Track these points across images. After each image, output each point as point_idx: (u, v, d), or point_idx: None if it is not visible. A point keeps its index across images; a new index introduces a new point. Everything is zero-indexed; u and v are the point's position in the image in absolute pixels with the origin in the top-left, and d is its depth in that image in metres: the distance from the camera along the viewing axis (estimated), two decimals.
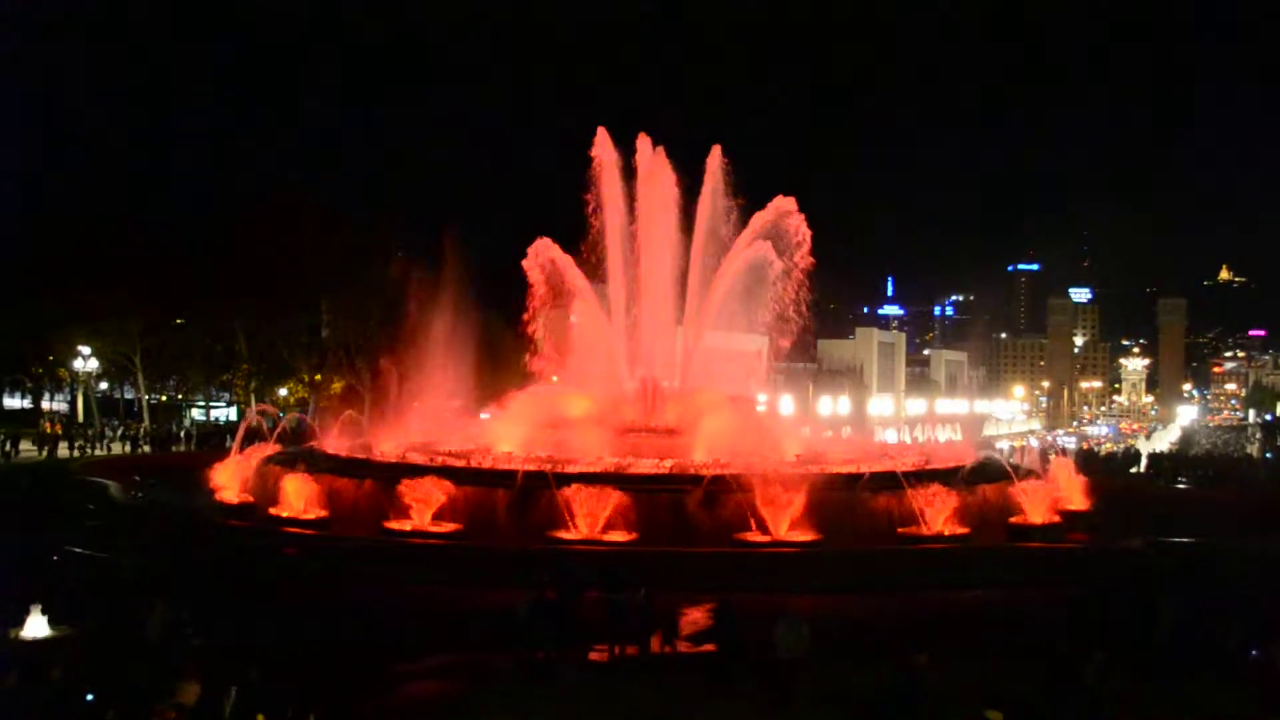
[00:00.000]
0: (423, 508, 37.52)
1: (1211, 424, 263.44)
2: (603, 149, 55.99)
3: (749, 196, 55.02)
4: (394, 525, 37.49)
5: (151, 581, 30.36)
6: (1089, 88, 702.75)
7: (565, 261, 52.95)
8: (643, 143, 55.71)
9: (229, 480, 43.71)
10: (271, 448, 47.59)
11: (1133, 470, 73.62)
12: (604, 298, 54.83)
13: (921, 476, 40.38)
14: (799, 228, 52.49)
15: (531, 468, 40.05)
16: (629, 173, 55.47)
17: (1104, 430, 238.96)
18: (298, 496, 40.04)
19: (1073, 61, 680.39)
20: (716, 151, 55.36)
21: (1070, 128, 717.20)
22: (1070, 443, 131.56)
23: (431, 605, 30.65)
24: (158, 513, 43.83)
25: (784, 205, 53.13)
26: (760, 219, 53.25)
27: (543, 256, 52.75)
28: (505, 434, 47.77)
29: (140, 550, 35.30)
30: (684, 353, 54.50)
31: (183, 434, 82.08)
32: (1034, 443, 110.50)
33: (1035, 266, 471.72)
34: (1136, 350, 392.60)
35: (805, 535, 36.63)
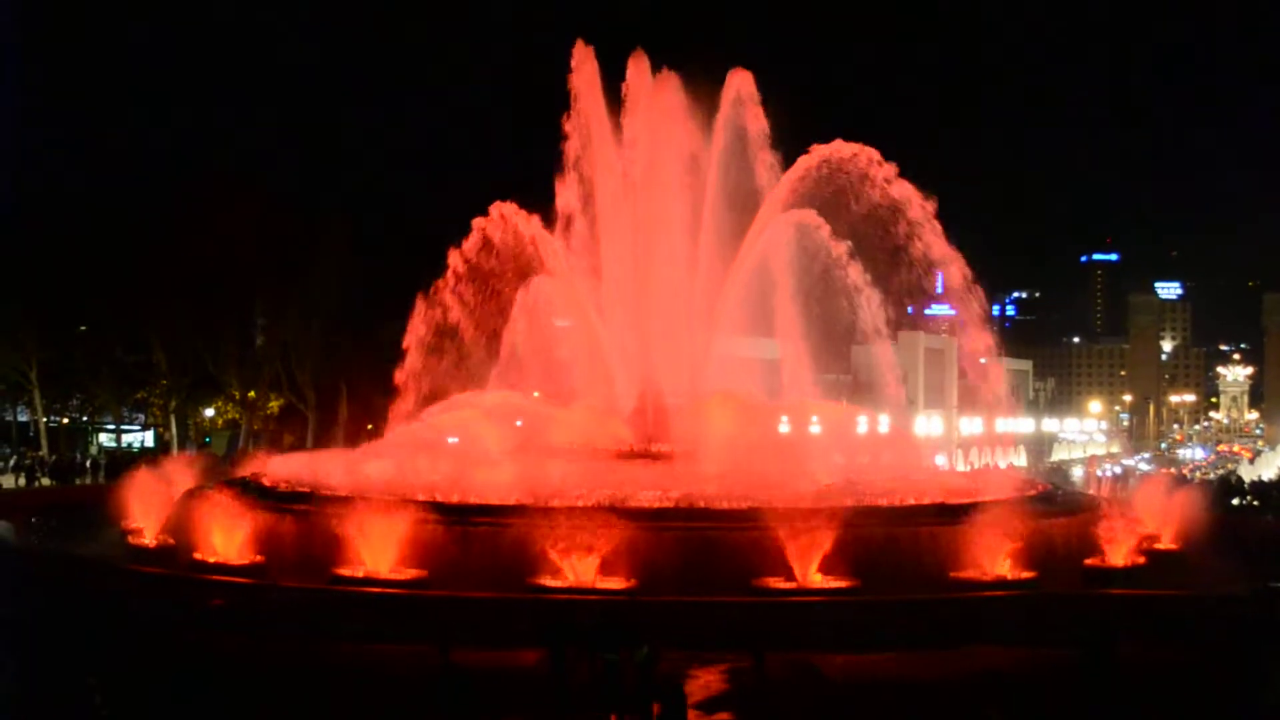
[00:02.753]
0: (378, 550, 37.50)
1: None
2: (583, 73, 52.30)
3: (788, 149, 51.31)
4: (345, 571, 37.47)
5: (49, 642, 30.43)
6: (1172, 43, 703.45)
7: (538, 234, 50.96)
8: (637, 65, 52.08)
9: (145, 519, 43.69)
10: (196, 478, 47.61)
11: (1234, 501, 73.54)
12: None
13: (978, 509, 40.31)
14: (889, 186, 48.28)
15: (510, 502, 40.02)
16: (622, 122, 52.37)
17: (1199, 453, 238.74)
18: (227, 538, 40.00)
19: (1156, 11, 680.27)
20: (738, 78, 51.57)
21: (1156, 88, 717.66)
22: (1149, 469, 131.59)
23: (389, 666, 30.65)
24: (56, 559, 43.83)
25: (840, 150, 49.31)
26: (808, 164, 49.29)
27: (500, 228, 50.54)
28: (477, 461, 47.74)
29: (35, 604, 35.30)
30: (694, 358, 53.48)
31: (88, 463, 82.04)
32: (1110, 469, 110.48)
33: (1114, 257, 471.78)
34: (1237, 357, 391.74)
35: (838, 581, 36.60)
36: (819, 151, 50.20)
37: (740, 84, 52.55)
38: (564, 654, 27.46)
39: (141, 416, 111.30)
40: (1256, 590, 36.57)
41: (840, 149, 49.78)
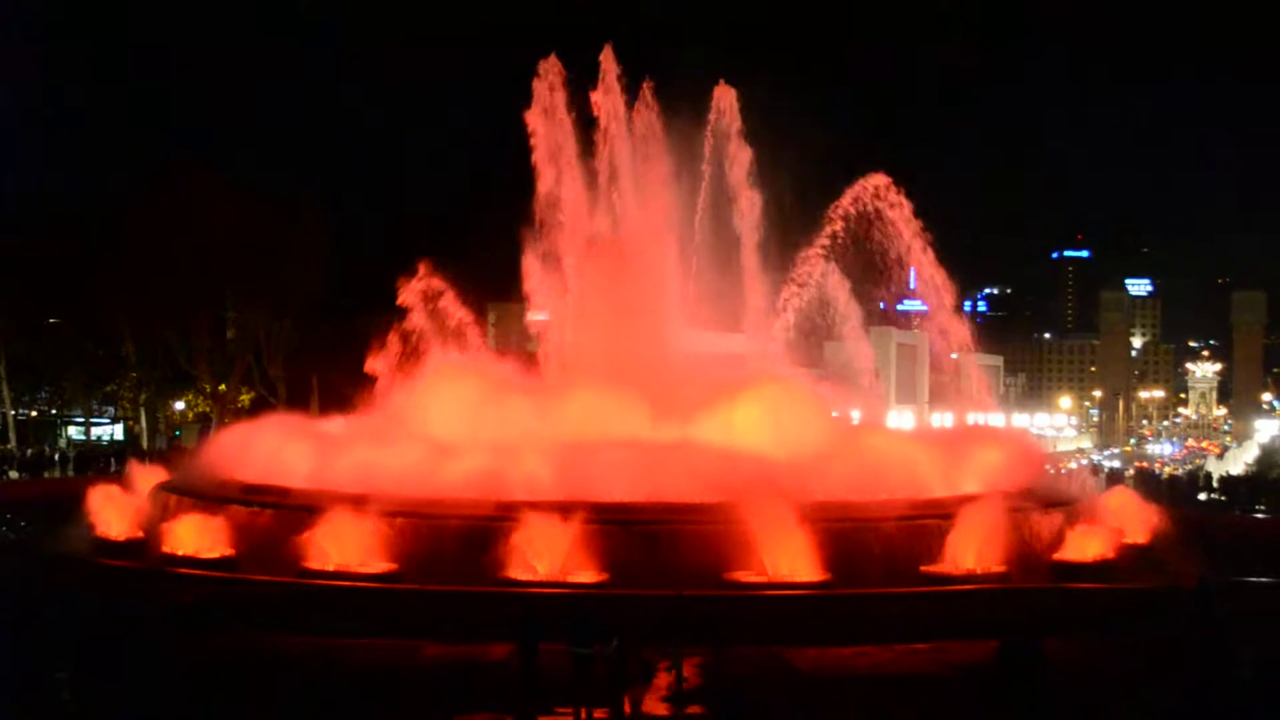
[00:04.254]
0: (349, 545, 37.41)
1: None
2: (546, 92, 52.40)
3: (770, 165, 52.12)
4: (315, 565, 37.37)
5: (17, 638, 30.29)
6: (1145, 38, 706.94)
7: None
8: (607, 63, 52.17)
9: (114, 513, 43.44)
10: (165, 472, 47.41)
11: (1201, 496, 74.08)
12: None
13: (949, 504, 40.48)
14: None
15: (480, 495, 39.94)
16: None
17: (1167, 449, 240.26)
18: (197, 532, 39.83)
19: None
20: (723, 93, 52.24)
21: (1125, 85, 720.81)
22: (1118, 465, 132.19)
23: (360, 661, 30.63)
24: (24, 553, 43.62)
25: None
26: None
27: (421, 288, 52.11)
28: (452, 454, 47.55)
29: (2, 599, 35.15)
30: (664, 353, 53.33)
31: (57, 456, 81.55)
32: (1079, 464, 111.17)
33: (1085, 254, 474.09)
34: (1206, 354, 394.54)
35: (810, 574, 36.71)
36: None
37: (724, 98, 53.38)
38: (533, 648, 27.48)
39: (111, 409, 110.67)
40: (1202, 584, 36.87)
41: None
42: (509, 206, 52.92)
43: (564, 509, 37.45)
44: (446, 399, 48.76)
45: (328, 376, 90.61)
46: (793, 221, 52.40)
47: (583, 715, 25.98)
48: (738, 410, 46.59)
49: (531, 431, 45.40)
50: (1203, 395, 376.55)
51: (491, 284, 53.08)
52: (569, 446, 43.02)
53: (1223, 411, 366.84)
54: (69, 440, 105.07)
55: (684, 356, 53.47)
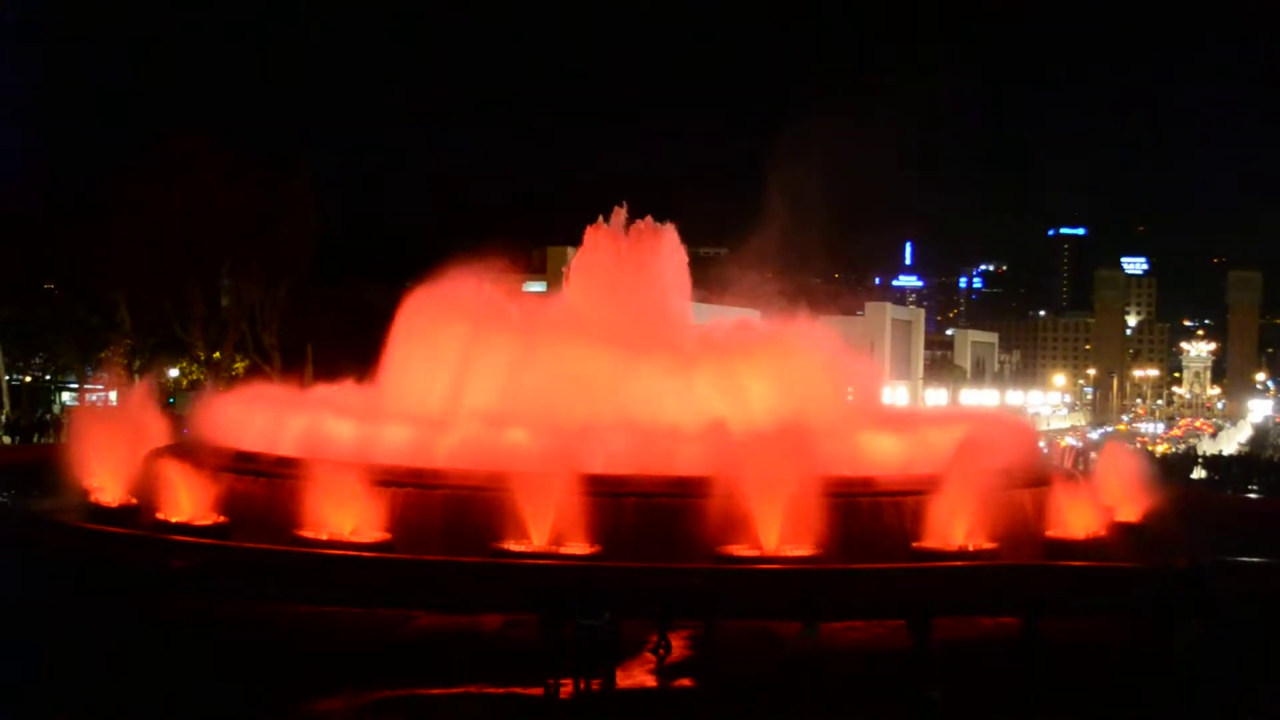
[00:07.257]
0: (342, 513, 37.44)
1: None
2: None
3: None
4: (307, 533, 37.43)
5: (5, 604, 30.35)
6: (1143, 17, 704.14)
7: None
8: None
9: (107, 478, 43.43)
10: (160, 438, 47.40)
11: (1193, 475, 74.31)
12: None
13: (941, 480, 40.41)
14: None
15: (473, 465, 39.95)
16: None
17: (1160, 428, 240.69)
18: (190, 498, 39.88)
19: None
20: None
21: (1123, 64, 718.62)
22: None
23: (352, 629, 30.72)
24: (15, 518, 43.65)
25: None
26: None
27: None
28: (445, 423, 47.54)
29: None
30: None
31: (51, 421, 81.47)
32: (1072, 441, 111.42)
33: (1081, 231, 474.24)
34: (1201, 333, 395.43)
35: (802, 549, 36.77)
36: None
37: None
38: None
39: (105, 375, 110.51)
40: (1192, 563, 36.91)
41: None
42: (503, 178, 52.89)
43: (556, 480, 37.43)
44: (439, 361, 48.83)
45: (322, 344, 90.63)
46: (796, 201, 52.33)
47: (581, 686, 26.09)
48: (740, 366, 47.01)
49: (525, 393, 45.35)
50: (1197, 374, 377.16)
51: (486, 254, 52.62)
52: (563, 415, 43.00)
53: (1217, 391, 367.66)
54: (63, 406, 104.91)
55: (688, 327, 53.66)
